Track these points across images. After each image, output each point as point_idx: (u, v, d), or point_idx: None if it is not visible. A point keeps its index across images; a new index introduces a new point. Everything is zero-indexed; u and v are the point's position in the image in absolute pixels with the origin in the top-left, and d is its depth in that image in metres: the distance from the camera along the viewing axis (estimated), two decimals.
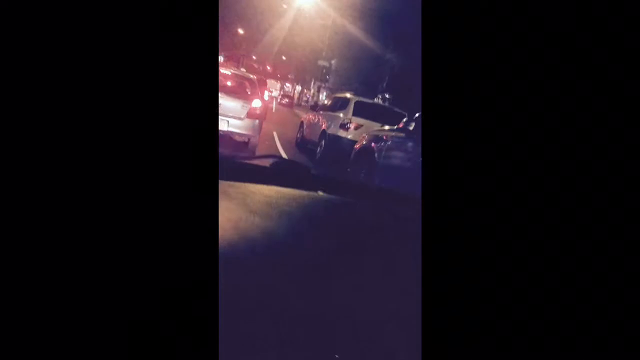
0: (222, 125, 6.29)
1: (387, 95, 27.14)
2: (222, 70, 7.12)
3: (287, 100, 35.90)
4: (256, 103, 6.71)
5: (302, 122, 10.43)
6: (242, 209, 0.91)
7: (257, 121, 6.71)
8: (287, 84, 51.72)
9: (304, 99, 45.43)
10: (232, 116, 6.38)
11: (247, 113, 6.57)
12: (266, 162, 1.46)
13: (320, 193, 1.15)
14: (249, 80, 7.45)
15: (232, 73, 7.46)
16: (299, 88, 48.75)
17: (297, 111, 29.07)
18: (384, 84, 27.04)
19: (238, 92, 6.92)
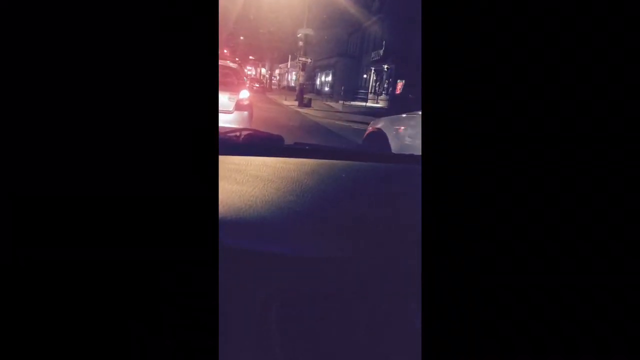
0: None
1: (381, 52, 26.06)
2: None
3: (257, 85, 33.00)
4: (244, 94, 6.53)
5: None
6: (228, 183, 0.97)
7: (246, 113, 6.50)
8: (249, 67, 49.63)
9: (273, 80, 44.17)
10: (220, 110, 5.92)
11: (235, 105, 6.37)
12: (240, 135, 1.53)
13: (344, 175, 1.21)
14: (232, 69, 7.21)
15: None
16: (263, 70, 47.12)
17: (270, 96, 26.62)
18: (381, 51, 25.94)
19: (223, 84, 6.64)
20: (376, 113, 17.29)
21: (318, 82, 39.04)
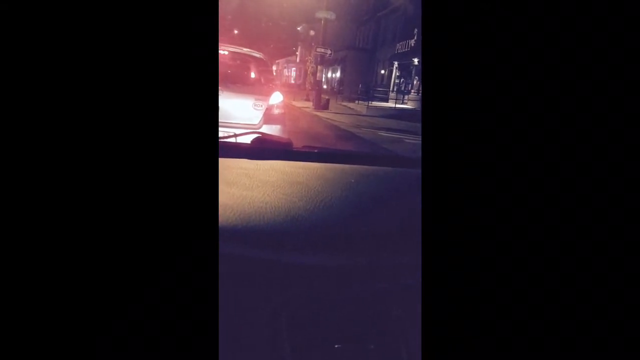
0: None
1: (412, 43, 25.15)
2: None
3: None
4: (276, 98, 4.85)
5: None
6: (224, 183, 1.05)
7: (279, 127, 4.77)
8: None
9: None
10: (240, 124, 4.40)
11: (264, 116, 4.68)
12: (247, 139, 1.62)
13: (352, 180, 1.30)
14: (257, 60, 5.50)
15: (230, 52, 5.34)
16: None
17: None
18: (413, 41, 25.10)
19: (245, 83, 5.11)
20: (412, 116, 16.15)
21: (324, 79, 38.11)
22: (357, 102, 24.51)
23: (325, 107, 18.87)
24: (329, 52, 21.15)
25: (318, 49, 20.77)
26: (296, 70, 46.42)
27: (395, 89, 28.96)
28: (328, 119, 15.30)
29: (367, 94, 25.64)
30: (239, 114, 4.63)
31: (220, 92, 4.37)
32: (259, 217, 0.90)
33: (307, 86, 24.52)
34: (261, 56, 5.70)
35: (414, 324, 0.79)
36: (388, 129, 13.09)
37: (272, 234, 0.87)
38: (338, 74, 36.93)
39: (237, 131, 1.77)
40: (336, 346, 0.84)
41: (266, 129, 4.54)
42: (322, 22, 21.09)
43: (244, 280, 0.83)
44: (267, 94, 4.86)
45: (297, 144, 1.69)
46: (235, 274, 0.81)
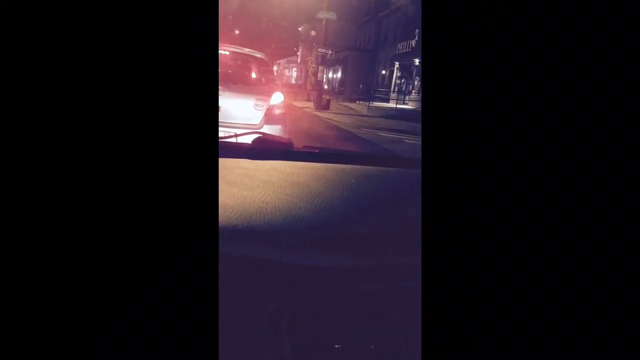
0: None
1: (413, 43, 25.27)
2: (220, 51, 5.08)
3: None
4: (277, 98, 4.93)
5: None
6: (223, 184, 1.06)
7: (279, 127, 4.84)
8: None
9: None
10: (241, 125, 4.50)
11: (265, 116, 4.77)
12: (248, 139, 1.63)
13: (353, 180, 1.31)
14: (258, 61, 5.62)
15: (231, 52, 5.47)
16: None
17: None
18: (414, 42, 25.23)
19: (246, 83, 5.22)
20: (412, 117, 16.13)
21: (325, 79, 38.05)
22: (358, 102, 24.57)
23: (326, 107, 18.98)
24: (330, 52, 21.36)
25: (319, 50, 21.07)
26: (297, 71, 46.60)
27: (396, 90, 29.08)
28: (329, 119, 15.43)
29: (368, 95, 25.72)
30: (240, 114, 4.69)
31: (221, 92, 4.47)
32: (259, 217, 0.90)
33: (308, 86, 24.74)
34: (262, 56, 5.75)
35: (414, 324, 0.79)
36: (389, 130, 13.18)
37: (272, 234, 0.88)
38: (339, 75, 37.08)
39: (238, 131, 1.79)
40: (336, 346, 0.84)
41: (267, 129, 4.57)
42: (323, 22, 21.35)
43: (244, 280, 0.83)
44: (268, 94, 4.93)
45: (298, 144, 1.69)
46: (235, 274, 0.81)
